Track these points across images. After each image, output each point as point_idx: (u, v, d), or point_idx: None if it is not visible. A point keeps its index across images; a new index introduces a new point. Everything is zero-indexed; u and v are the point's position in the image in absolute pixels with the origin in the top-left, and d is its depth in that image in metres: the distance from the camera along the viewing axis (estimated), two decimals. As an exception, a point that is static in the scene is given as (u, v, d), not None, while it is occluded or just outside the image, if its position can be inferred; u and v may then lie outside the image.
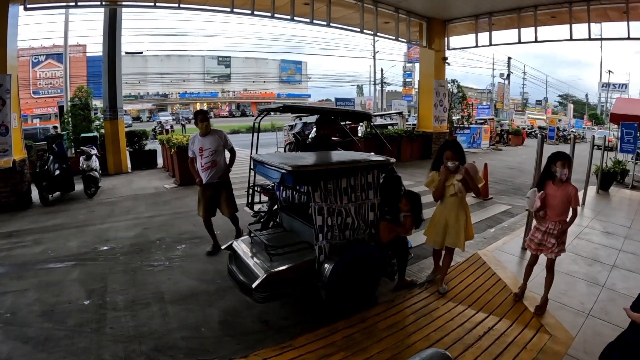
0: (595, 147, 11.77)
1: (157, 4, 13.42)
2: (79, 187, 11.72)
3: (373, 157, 5.34)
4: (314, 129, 17.37)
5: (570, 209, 4.75)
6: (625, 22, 15.38)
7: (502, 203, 11.08)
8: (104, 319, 4.68)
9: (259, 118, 5.97)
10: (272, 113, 5.81)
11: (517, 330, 4.49)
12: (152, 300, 5.16)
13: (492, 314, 4.81)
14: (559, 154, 4.75)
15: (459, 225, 5.24)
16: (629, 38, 15.65)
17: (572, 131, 40.40)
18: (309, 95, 79.98)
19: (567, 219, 4.77)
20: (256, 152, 5.60)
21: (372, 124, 8.70)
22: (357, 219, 4.80)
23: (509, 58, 62.89)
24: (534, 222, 5.09)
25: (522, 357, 4.02)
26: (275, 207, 6.09)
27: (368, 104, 54.41)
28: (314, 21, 15.63)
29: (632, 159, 14.65)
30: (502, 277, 5.82)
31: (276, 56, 76.83)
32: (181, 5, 13.71)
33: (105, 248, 7.12)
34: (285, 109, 5.69)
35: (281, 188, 5.70)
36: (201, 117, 6.77)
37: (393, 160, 5.26)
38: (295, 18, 15.17)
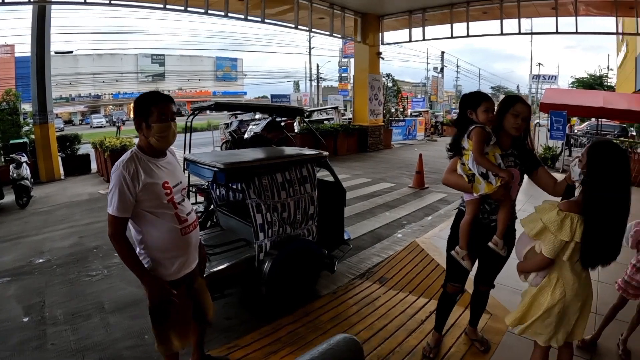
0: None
1: (88, 0, 12.98)
2: (9, 197, 11.17)
3: (306, 151, 5.39)
4: (250, 127, 17.35)
5: None
6: (554, 18, 16.08)
7: (437, 192, 11.38)
8: (45, 335, 4.49)
9: (191, 117, 5.88)
10: (207, 112, 5.77)
11: (458, 312, 4.58)
12: (93, 311, 4.99)
13: (433, 298, 4.91)
14: None
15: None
16: (557, 32, 16.35)
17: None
18: (245, 93, 79.25)
19: None
20: (189, 152, 5.52)
21: (305, 119, 8.73)
22: (297, 212, 4.82)
23: (443, 53, 64.34)
24: (632, 259, 3.85)
25: (465, 337, 4.15)
26: (212, 206, 6.03)
27: (304, 100, 54.61)
28: (249, 17, 15.49)
29: (562, 144, 15.36)
30: (440, 263, 5.94)
31: (213, 53, 75.90)
32: (112, 2, 13.27)
33: (41, 260, 6.79)
34: (217, 106, 5.65)
35: (215, 187, 5.65)
36: (169, 109, 2.90)
37: (326, 153, 5.32)
38: (230, 14, 15.06)
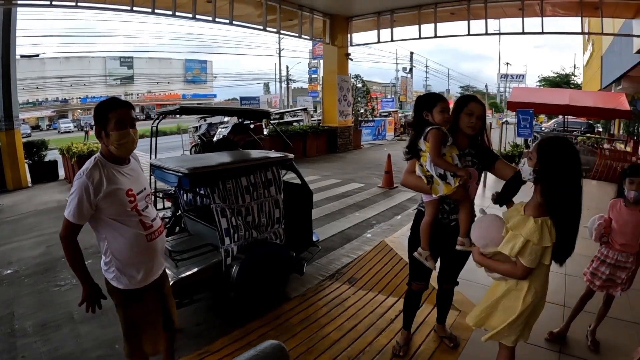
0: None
1: (54, 3, 12.68)
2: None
3: (271, 154, 5.40)
4: (219, 130, 17.25)
5: None
6: (521, 18, 16.31)
7: (406, 191, 11.35)
8: (15, 348, 4.39)
9: (156, 122, 5.84)
10: (177, 115, 5.74)
11: (428, 309, 4.67)
12: (63, 322, 4.90)
13: (402, 297, 4.82)
14: (630, 168, 3.75)
15: None
16: (523, 32, 16.57)
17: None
18: (215, 95, 78.76)
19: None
20: (155, 157, 5.48)
21: (271, 121, 8.73)
22: (261, 216, 4.84)
23: (412, 53, 64.84)
24: (597, 252, 4.01)
25: (434, 335, 4.23)
26: (179, 212, 5.98)
27: (274, 101, 54.64)
28: (216, 19, 15.37)
29: (530, 141, 15.62)
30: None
31: (182, 56, 75.23)
32: (79, 4, 12.99)
33: (9, 271, 6.62)
34: (182, 110, 5.63)
35: (182, 192, 5.60)
36: (127, 115, 2.86)
37: (291, 156, 5.33)
38: (198, 16, 14.85)
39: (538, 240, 2.51)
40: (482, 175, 3.46)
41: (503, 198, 2.97)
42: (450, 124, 3.26)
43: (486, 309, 2.88)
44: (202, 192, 5.30)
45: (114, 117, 2.78)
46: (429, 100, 3.27)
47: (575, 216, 2.56)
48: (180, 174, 4.33)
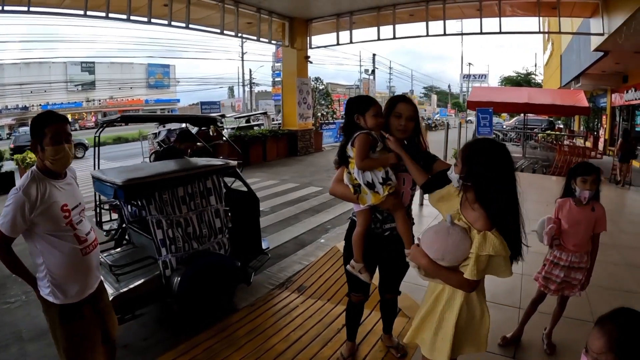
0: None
1: (5, 8, 12.35)
2: None
3: (213, 162, 5.29)
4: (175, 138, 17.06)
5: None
6: (479, 19, 16.51)
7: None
8: None
9: (99, 131, 5.68)
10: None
11: (376, 317, 4.55)
12: (12, 341, 4.72)
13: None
14: (581, 167, 3.71)
15: None
16: (482, 33, 16.78)
17: (435, 119, 43.29)
18: (179, 100, 78.05)
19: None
20: (98, 168, 5.33)
21: (219, 127, 8.58)
22: (202, 227, 4.72)
23: (374, 55, 65.23)
24: (548, 255, 3.99)
25: (381, 344, 4.14)
26: (124, 224, 5.81)
27: (237, 105, 54.39)
28: (172, 23, 15.16)
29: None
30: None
31: (145, 60, 74.18)
32: (31, 9, 12.67)
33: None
34: (123, 119, 5.49)
35: (125, 203, 5.44)
36: (62, 130, 2.84)
37: (233, 163, 5.23)
38: (153, 20, 14.63)
39: (506, 253, 2.32)
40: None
41: (430, 185, 2.80)
42: (381, 128, 3.10)
43: (450, 341, 2.59)
44: (138, 203, 5.15)
45: (50, 131, 2.75)
46: (362, 104, 3.09)
47: (514, 215, 2.37)
48: (115, 186, 4.21)
